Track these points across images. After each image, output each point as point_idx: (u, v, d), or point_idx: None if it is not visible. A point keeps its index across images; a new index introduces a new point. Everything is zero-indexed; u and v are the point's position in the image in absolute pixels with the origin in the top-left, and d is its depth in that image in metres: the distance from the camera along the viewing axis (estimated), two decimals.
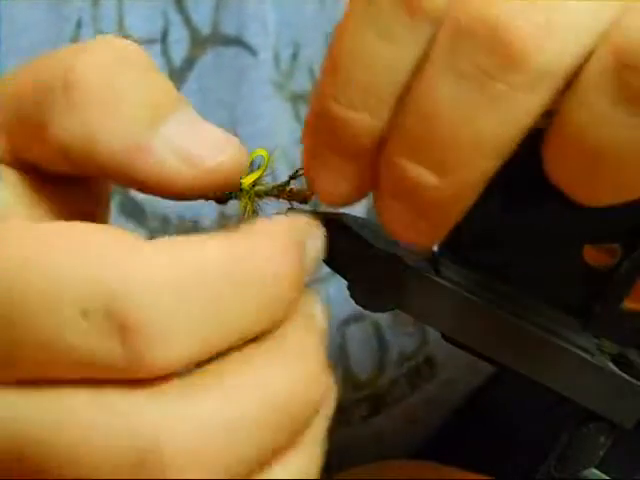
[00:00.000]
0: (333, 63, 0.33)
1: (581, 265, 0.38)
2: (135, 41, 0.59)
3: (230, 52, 0.61)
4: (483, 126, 0.31)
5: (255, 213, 0.38)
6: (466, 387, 0.74)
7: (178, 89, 0.58)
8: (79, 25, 0.57)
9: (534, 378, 0.37)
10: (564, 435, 0.38)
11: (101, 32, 0.58)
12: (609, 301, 0.38)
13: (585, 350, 0.37)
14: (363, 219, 0.39)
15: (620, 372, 0.37)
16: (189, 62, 0.61)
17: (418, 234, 0.34)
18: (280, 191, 0.38)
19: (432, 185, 0.32)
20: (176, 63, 0.61)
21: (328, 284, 0.65)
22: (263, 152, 0.38)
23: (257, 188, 0.38)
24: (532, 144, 0.36)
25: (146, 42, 0.59)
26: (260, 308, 0.33)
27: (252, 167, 0.38)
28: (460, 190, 0.32)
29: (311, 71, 0.64)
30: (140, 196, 0.58)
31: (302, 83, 0.64)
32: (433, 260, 0.38)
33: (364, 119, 0.33)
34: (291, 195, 0.38)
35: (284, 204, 0.39)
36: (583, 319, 0.38)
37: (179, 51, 0.60)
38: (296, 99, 0.64)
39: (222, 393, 0.32)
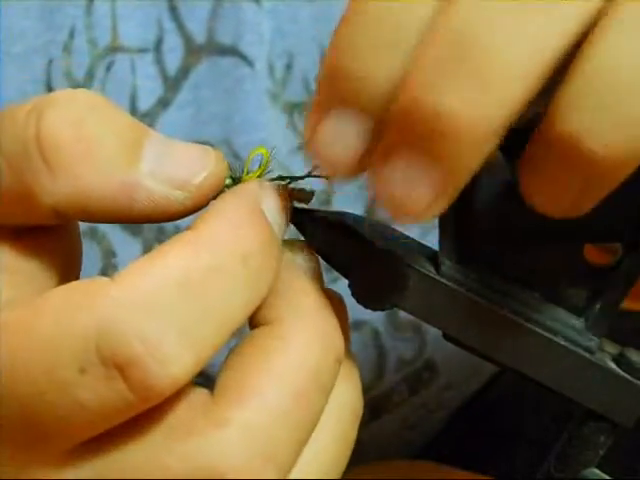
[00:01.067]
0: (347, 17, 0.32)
1: (581, 264, 0.38)
2: (128, 50, 0.59)
3: (226, 62, 0.61)
4: (517, 50, 0.29)
5: None
6: (466, 391, 0.74)
7: (172, 98, 0.58)
8: (72, 34, 0.57)
9: (534, 377, 0.37)
10: (564, 435, 0.38)
11: (94, 41, 0.58)
12: (609, 301, 0.38)
13: (585, 349, 0.37)
14: (363, 218, 0.39)
15: (620, 372, 0.37)
16: (184, 71, 0.61)
17: (427, 191, 0.31)
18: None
19: (456, 113, 0.30)
20: (170, 72, 0.61)
21: None
22: (263, 150, 0.38)
23: None
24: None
25: (139, 51, 0.59)
26: (244, 289, 0.33)
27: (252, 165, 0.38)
28: (485, 121, 0.30)
29: (305, 81, 0.64)
30: None
31: (297, 93, 0.64)
32: (434, 259, 0.38)
33: (383, 62, 0.31)
34: (292, 195, 0.38)
35: None
36: (583, 318, 0.38)
37: (173, 60, 0.60)
38: (291, 109, 0.64)
39: (256, 404, 0.33)
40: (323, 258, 0.38)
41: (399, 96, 0.31)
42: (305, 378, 0.34)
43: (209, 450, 0.33)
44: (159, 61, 0.60)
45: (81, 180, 0.34)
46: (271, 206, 0.36)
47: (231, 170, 0.37)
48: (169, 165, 0.35)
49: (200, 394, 0.34)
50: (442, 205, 0.31)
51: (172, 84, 0.60)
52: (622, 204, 0.36)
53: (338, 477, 0.36)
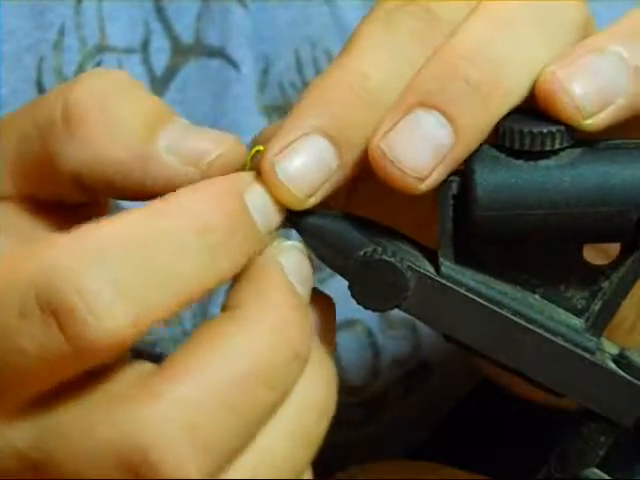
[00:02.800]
0: None
1: (581, 264, 0.38)
2: (115, 50, 0.59)
3: (213, 64, 0.61)
4: None
5: None
6: (462, 390, 0.74)
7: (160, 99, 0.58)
8: (62, 32, 0.57)
9: (534, 378, 0.37)
10: (564, 435, 0.38)
11: (84, 39, 0.58)
12: (609, 301, 0.38)
13: (585, 350, 0.37)
14: (363, 218, 0.39)
15: (620, 372, 0.37)
16: (171, 71, 0.61)
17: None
18: None
19: None
20: (157, 72, 0.60)
21: None
22: (262, 148, 0.38)
23: None
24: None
25: (126, 51, 0.59)
26: (196, 260, 0.34)
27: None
28: None
29: (281, 86, 0.64)
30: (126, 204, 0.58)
31: (272, 97, 0.64)
32: (433, 259, 0.38)
33: None
34: None
35: None
36: (583, 319, 0.38)
37: (160, 60, 0.60)
38: (270, 112, 0.64)
39: (193, 381, 0.33)
40: (321, 259, 0.38)
41: None
42: (251, 366, 0.34)
43: (135, 420, 0.33)
44: (146, 61, 0.60)
45: (98, 147, 0.36)
46: (258, 196, 0.36)
47: None
48: (185, 143, 0.37)
49: (144, 366, 0.34)
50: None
51: (159, 84, 0.60)
52: (622, 204, 0.36)
53: (296, 477, 0.36)
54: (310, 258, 0.38)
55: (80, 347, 0.32)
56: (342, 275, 0.37)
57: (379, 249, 0.36)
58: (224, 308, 0.36)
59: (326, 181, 0.37)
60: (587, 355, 0.37)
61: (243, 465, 0.35)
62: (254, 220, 0.36)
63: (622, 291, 0.37)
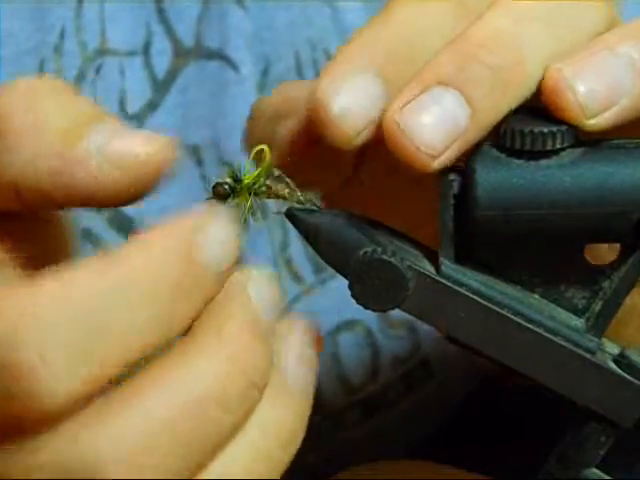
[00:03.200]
0: None
1: (581, 264, 0.38)
2: (116, 53, 0.59)
3: (212, 65, 0.61)
4: None
5: (254, 211, 0.38)
6: (461, 390, 0.74)
7: (161, 101, 0.59)
8: (62, 35, 0.57)
9: (534, 378, 0.37)
10: (564, 435, 0.38)
11: (84, 43, 0.58)
12: (609, 301, 0.38)
13: (586, 350, 0.37)
14: (363, 217, 0.39)
15: (620, 372, 0.37)
16: (172, 74, 0.61)
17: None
18: (284, 194, 0.38)
19: None
20: (159, 75, 0.60)
21: (318, 292, 0.65)
22: (264, 147, 0.38)
23: (257, 186, 0.38)
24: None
25: (128, 54, 0.59)
26: (145, 317, 0.34)
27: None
28: None
29: None
30: (129, 210, 0.58)
31: None
32: (434, 259, 0.38)
33: None
34: (291, 196, 0.38)
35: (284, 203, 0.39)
36: (584, 319, 0.38)
37: (162, 63, 0.60)
38: None
39: (141, 407, 0.33)
40: (322, 258, 0.38)
41: None
42: (201, 394, 0.34)
43: (80, 449, 0.33)
44: (148, 64, 0.60)
45: (27, 154, 0.35)
46: (213, 233, 0.35)
47: (232, 170, 0.37)
48: (115, 143, 0.35)
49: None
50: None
51: (161, 87, 0.60)
52: (623, 204, 0.36)
53: None
54: (278, 287, 0.37)
55: (29, 407, 0.32)
56: (342, 275, 0.37)
57: (379, 249, 0.36)
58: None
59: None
60: (588, 355, 0.37)
61: None
62: (206, 268, 0.35)
63: (623, 291, 0.37)
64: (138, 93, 0.60)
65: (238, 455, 0.36)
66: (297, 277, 0.64)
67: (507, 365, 0.37)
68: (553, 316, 0.37)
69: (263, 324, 0.36)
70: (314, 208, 0.38)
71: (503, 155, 0.36)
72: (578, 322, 0.38)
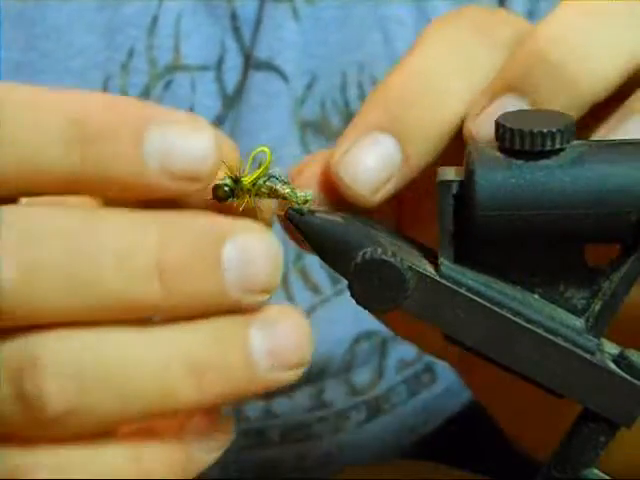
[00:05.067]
0: None
1: (581, 265, 0.38)
2: (188, 68, 0.60)
3: (260, 76, 0.61)
4: None
5: (255, 211, 0.38)
6: (465, 395, 0.74)
7: (227, 115, 0.59)
8: (131, 54, 0.59)
9: (534, 378, 0.37)
10: (564, 435, 0.38)
11: (154, 61, 0.59)
12: (609, 301, 0.38)
13: (585, 350, 0.37)
14: (363, 218, 0.39)
15: (620, 372, 0.37)
16: (240, 87, 0.62)
17: None
18: (285, 194, 0.38)
19: None
20: (229, 89, 0.61)
21: (335, 303, 0.65)
22: (265, 149, 0.38)
23: (258, 187, 0.38)
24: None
25: (200, 69, 0.60)
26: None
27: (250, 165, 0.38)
28: None
29: (322, 103, 0.64)
30: None
31: (311, 113, 0.64)
32: (433, 259, 0.38)
33: None
34: (289, 197, 0.38)
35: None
36: (583, 319, 0.38)
37: (232, 77, 0.61)
38: (304, 127, 0.64)
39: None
40: (323, 258, 0.38)
41: None
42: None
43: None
44: (219, 79, 0.61)
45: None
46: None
47: (231, 170, 0.37)
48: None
49: None
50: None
51: (229, 101, 0.61)
52: (622, 204, 0.36)
53: None
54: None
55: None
56: (342, 275, 0.37)
57: (379, 249, 0.36)
58: None
59: (392, 176, 0.39)
60: (587, 355, 0.37)
61: None
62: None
63: (622, 291, 0.37)
64: (207, 107, 0.61)
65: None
66: (314, 287, 0.65)
67: (507, 366, 0.37)
68: (553, 316, 0.37)
69: None
70: (314, 208, 0.38)
71: (502, 155, 0.36)
72: (577, 322, 0.38)
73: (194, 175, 0.34)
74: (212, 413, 0.36)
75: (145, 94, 0.59)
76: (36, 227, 0.33)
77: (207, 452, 0.36)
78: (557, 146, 0.36)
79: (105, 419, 0.34)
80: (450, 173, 0.37)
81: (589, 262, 0.38)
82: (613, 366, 0.37)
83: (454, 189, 0.37)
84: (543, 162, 0.36)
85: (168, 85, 0.60)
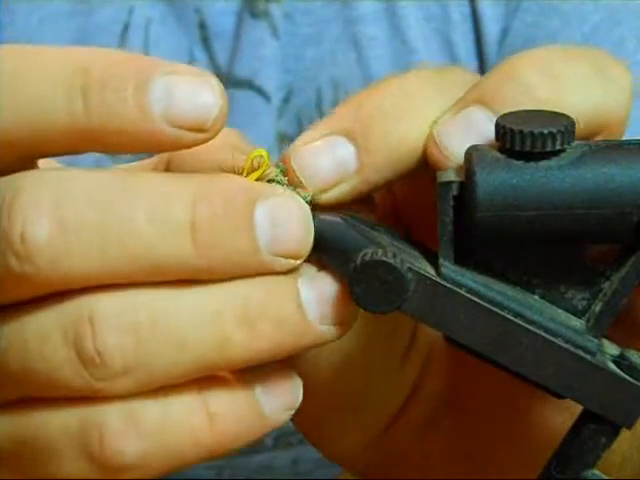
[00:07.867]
0: None
1: (581, 265, 0.38)
2: None
3: (241, 95, 0.61)
4: None
5: None
6: None
7: None
8: None
9: (534, 379, 0.37)
10: (564, 435, 0.38)
11: None
12: (609, 302, 0.38)
13: (586, 351, 0.37)
14: (363, 219, 0.39)
15: (620, 372, 0.37)
16: None
17: None
18: None
19: None
20: None
21: None
22: (263, 152, 0.38)
23: None
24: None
25: None
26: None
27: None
28: None
29: (298, 117, 0.64)
30: None
31: (288, 126, 0.64)
32: (434, 261, 0.38)
33: None
34: None
35: None
36: (583, 320, 0.38)
37: None
38: (282, 139, 0.64)
39: None
40: (323, 259, 0.38)
41: None
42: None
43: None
44: None
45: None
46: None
47: (231, 172, 0.37)
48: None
49: None
50: None
51: None
52: (623, 205, 0.36)
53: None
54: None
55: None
56: (342, 276, 0.37)
57: (379, 250, 0.36)
58: None
59: (342, 181, 0.38)
60: (587, 356, 0.37)
61: None
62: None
63: (623, 292, 0.37)
64: None
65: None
66: None
67: (507, 367, 0.37)
68: (553, 317, 0.37)
69: None
70: (314, 209, 0.38)
71: (503, 156, 0.36)
72: (578, 323, 0.38)
73: (199, 124, 0.35)
74: (279, 370, 0.37)
75: None
76: (68, 185, 0.34)
77: (276, 409, 0.37)
78: (557, 147, 0.36)
79: (164, 372, 0.34)
80: (450, 174, 0.37)
81: (589, 263, 0.38)
82: (613, 367, 0.37)
83: (454, 190, 0.37)
84: (543, 163, 0.36)
85: None
